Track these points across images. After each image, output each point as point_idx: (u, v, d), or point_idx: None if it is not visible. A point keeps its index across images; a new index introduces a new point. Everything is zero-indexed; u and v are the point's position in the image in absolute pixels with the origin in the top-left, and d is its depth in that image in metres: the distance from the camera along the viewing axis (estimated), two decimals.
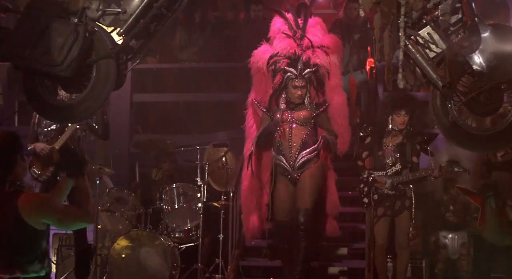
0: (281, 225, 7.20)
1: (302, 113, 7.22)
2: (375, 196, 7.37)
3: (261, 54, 7.29)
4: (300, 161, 7.15)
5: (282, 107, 7.23)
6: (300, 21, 7.37)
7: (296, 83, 7.15)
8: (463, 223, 8.85)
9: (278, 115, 7.21)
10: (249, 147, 7.34)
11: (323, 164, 7.25)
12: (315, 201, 7.12)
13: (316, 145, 7.21)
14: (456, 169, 7.47)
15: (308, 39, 7.21)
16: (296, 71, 7.14)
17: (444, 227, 8.87)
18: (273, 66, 7.21)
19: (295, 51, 7.17)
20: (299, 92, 7.15)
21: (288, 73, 7.16)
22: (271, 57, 7.21)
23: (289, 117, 7.23)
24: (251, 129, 7.47)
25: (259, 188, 7.33)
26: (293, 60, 7.16)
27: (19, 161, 4.45)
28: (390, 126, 7.45)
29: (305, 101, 7.22)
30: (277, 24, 7.38)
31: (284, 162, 7.20)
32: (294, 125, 7.22)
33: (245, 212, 7.51)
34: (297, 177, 7.16)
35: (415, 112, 7.60)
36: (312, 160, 7.18)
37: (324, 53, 7.20)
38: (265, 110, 7.28)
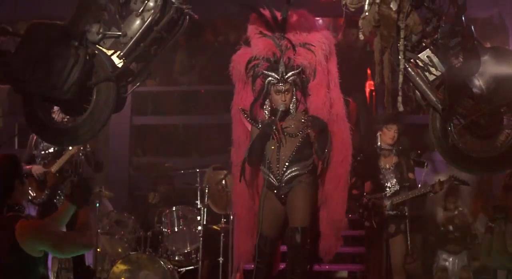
0: (261, 242, 6.34)
1: (291, 123, 6.38)
2: (376, 218, 7.35)
3: (240, 58, 6.54)
4: (288, 176, 6.30)
5: (266, 116, 6.38)
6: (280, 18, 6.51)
7: (279, 88, 6.29)
8: (463, 245, 8.82)
9: (272, 117, 6.35)
10: (236, 160, 6.55)
11: (315, 181, 6.42)
12: (310, 218, 6.31)
13: (309, 160, 6.36)
14: (455, 182, 7.49)
15: (287, 38, 6.36)
16: (278, 75, 6.29)
17: (444, 250, 8.84)
18: (252, 71, 6.44)
19: (274, 52, 6.37)
20: (283, 98, 6.30)
21: (269, 78, 6.33)
22: (249, 61, 6.45)
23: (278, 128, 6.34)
24: (239, 140, 6.62)
25: (253, 205, 6.55)
26: (273, 63, 6.34)
27: (18, 185, 4.38)
28: (379, 143, 7.46)
29: (291, 108, 6.37)
30: (254, 22, 6.56)
31: (272, 176, 6.33)
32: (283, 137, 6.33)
33: (236, 232, 6.87)
34: (285, 194, 6.33)
35: (403, 132, 7.60)
36: (303, 175, 6.32)
37: (309, 51, 6.34)
38: (252, 121, 6.43)
